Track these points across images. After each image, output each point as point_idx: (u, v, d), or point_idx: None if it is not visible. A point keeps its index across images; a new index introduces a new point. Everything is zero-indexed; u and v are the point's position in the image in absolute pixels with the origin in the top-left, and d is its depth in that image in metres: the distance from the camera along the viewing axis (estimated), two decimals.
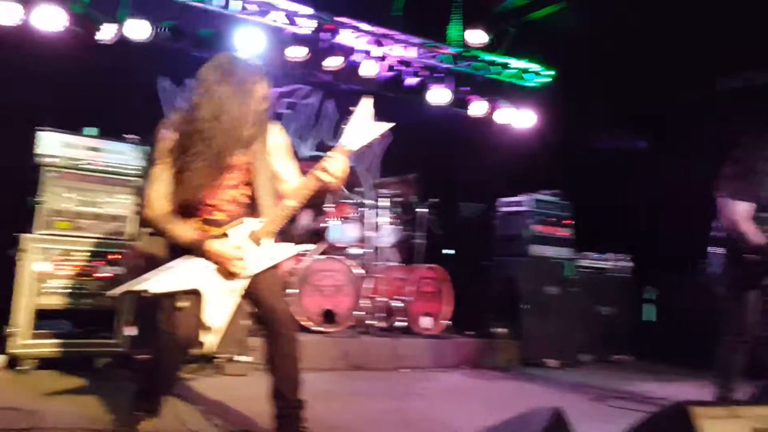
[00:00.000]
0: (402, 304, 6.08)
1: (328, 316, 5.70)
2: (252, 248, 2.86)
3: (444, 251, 7.12)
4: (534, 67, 8.18)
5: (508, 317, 6.34)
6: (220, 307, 2.81)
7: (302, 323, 5.48)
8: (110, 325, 4.44)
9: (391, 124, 2.89)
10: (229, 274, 2.84)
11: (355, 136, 2.85)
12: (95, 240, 4.40)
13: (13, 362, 4.14)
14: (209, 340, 2.80)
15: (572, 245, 6.75)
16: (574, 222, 6.77)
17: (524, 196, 6.66)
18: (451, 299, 6.31)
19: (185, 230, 2.84)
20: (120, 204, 4.51)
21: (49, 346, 4.21)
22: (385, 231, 6.31)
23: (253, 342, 4.96)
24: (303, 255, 5.82)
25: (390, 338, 5.76)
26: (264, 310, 2.97)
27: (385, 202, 6.33)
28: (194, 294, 2.78)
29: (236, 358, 4.70)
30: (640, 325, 7.31)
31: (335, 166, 2.83)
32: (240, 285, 2.87)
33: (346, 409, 3.94)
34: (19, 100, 5.47)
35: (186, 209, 2.90)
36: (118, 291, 2.86)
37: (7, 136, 5.04)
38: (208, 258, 2.81)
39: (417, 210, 6.55)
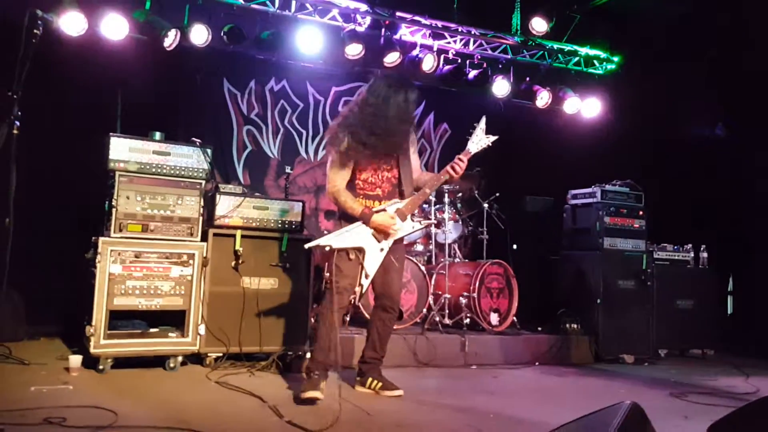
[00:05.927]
0: (468, 301, 6.00)
1: None
2: (398, 220, 3.93)
3: (510, 246, 6.97)
4: (600, 54, 7.97)
5: (580, 312, 6.21)
6: (374, 260, 3.91)
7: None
8: (182, 324, 4.53)
9: (496, 137, 4.03)
10: (381, 238, 3.91)
11: (475, 144, 4.03)
12: (166, 241, 4.50)
13: (90, 362, 4.27)
14: (366, 284, 3.86)
15: (646, 237, 6.51)
16: (647, 213, 6.52)
17: (594, 187, 6.45)
18: (517, 295, 6.18)
19: (357, 204, 3.91)
20: (188, 206, 4.58)
21: (124, 346, 4.34)
22: (449, 227, 6.24)
23: None
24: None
25: (457, 335, 5.65)
26: (384, 285, 4.07)
27: (448, 198, 6.27)
28: (359, 250, 3.85)
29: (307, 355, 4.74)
30: (720, 318, 7.00)
31: (461, 165, 3.98)
32: (387, 246, 3.94)
33: (415, 407, 3.88)
34: (90, 107, 5.69)
35: (354, 185, 4.00)
36: (309, 245, 3.97)
37: (79, 142, 5.22)
38: (372, 226, 3.88)
39: (483, 205, 6.46)
